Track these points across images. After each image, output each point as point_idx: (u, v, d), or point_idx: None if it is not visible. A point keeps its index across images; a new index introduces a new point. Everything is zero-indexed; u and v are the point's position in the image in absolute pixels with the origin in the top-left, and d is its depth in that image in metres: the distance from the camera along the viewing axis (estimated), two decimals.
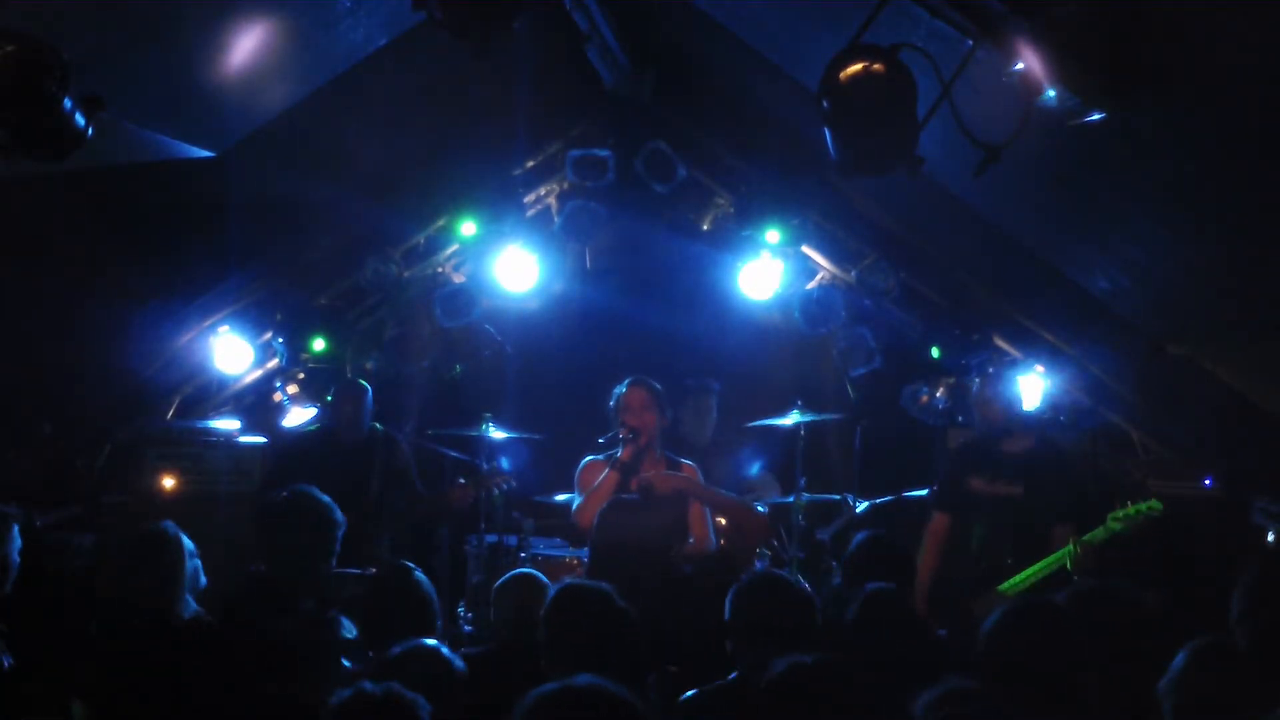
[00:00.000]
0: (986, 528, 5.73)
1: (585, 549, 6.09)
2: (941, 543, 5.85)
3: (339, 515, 4.90)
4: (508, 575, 5.02)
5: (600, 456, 5.88)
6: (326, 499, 4.92)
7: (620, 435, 5.74)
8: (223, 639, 4.05)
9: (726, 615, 4.00)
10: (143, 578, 4.47)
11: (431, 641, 3.62)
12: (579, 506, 5.74)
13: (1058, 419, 7.23)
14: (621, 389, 5.85)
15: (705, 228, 7.79)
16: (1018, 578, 5.49)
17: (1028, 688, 3.17)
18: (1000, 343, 7.54)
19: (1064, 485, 5.84)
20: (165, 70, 5.11)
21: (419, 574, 4.42)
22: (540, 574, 5.04)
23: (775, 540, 6.93)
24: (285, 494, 5.04)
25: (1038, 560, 5.50)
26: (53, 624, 4.89)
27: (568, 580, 4.30)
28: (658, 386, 5.88)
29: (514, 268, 7.69)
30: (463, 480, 6.50)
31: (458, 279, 7.78)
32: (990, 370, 6.78)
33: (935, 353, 7.60)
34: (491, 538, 7.07)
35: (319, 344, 7.62)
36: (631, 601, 4.21)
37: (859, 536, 4.81)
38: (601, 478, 5.72)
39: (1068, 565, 5.40)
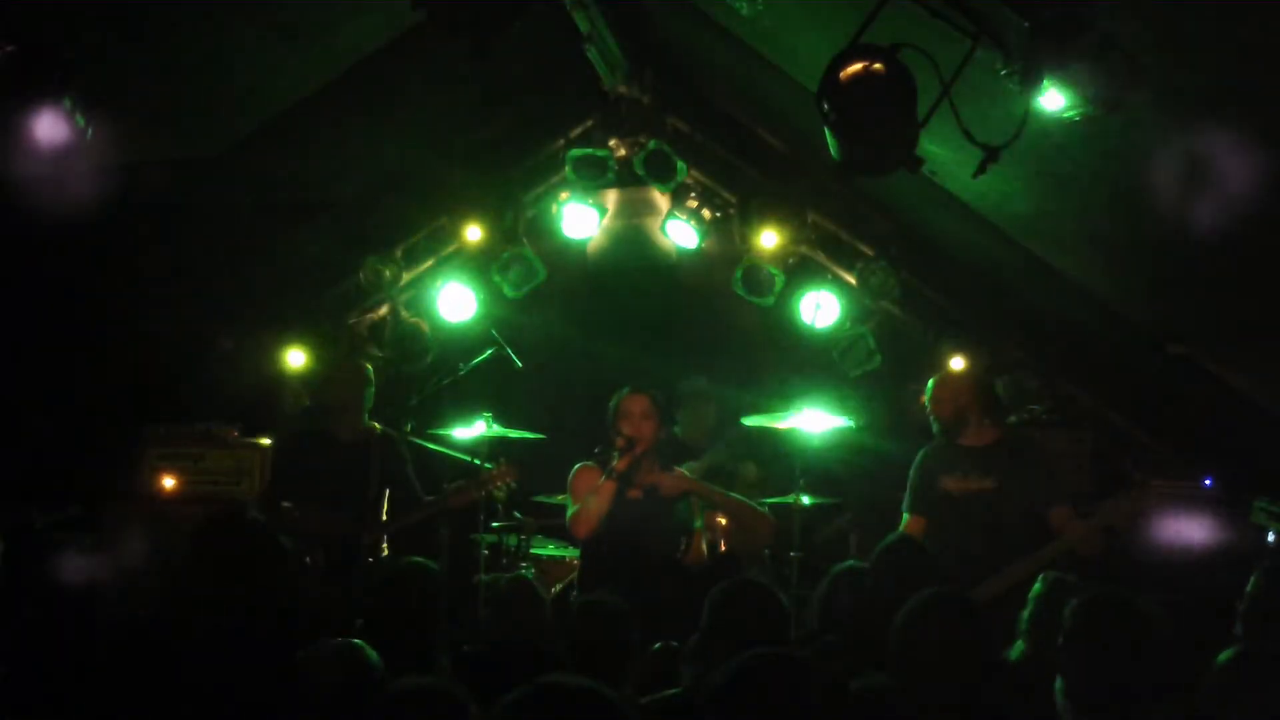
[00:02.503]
0: (964, 524, 5.71)
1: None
2: None
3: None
4: (501, 580, 5.03)
5: (592, 462, 5.84)
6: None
7: (616, 444, 5.71)
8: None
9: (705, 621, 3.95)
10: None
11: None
12: (575, 514, 5.70)
13: (1055, 419, 7.22)
14: (622, 395, 5.82)
15: (705, 228, 7.79)
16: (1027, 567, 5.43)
17: (938, 683, 3.16)
18: (1000, 342, 7.55)
19: (1038, 469, 5.83)
20: (165, 70, 5.12)
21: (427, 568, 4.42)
22: (529, 578, 5.04)
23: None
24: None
25: (1021, 550, 5.45)
26: (50, 629, 4.89)
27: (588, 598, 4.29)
28: (659, 395, 5.85)
29: (514, 267, 7.70)
30: (462, 481, 6.49)
31: (457, 278, 7.78)
32: (940, 372, 6.73)
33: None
34: (492, 538, 7.08)
35: (318, 344, 7.63)
36: (643, 604, 4.22)
37: (886, 540, 4.78)
38: (597, 486, 5.68)
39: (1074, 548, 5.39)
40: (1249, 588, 3.86)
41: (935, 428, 5.98)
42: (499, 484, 6.45)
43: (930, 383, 6.10)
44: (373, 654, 3.38)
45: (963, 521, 5.72)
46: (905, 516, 5.96)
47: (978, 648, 3.27)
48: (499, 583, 4.96)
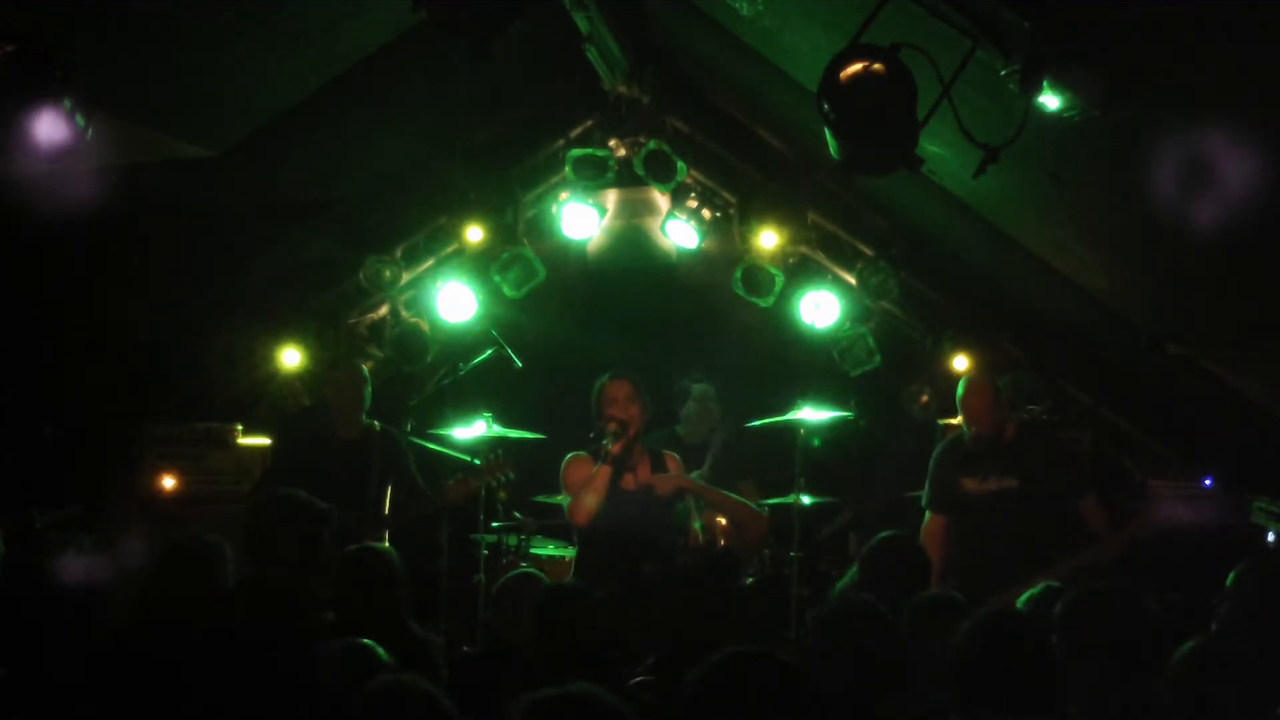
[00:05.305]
0: (987, 525, 5.70)
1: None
2: (942, 544, 5.80)
3: (323, 511, 4.88)
4: (507, 576, 5.03)
5: (583, 452, 5.85)
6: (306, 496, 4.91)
7: (608, 429, 5.71)
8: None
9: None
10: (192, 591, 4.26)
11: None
12: (574, 503, 5.70)
13: (1053, 419, 7.22)
14: (603, 382, 5.81)
15: (705, 228, 7.79)
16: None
17: (999, 705, 3.12)
18: (1000, 342, 7.56)
19: (1061, 463, 5.80)
20: (165, 70, 5.12)
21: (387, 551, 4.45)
22: (540, 574, 5.04)
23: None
24: (270, 496, 5.05)
25: (1049, 549, 5.42)
26: (50, 629, 4.88)
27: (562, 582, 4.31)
28: (638, 378, 5.86)
29: (514, 267, 7.70)
30: (462, 476, 6.48)
31: (457, 278, 7.78)
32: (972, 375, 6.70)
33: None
34: (492, 538, 7.09)
35: (318, 344, 7.64)
36: (640, 600, 4.21)
37: (879, 535, 4.77)
38: (594, 472, 5.68)
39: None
40: (1229, 583, 3.85)
41: (967, 434, 5.91)
42: (497, 475, 6.44)
43: (960, 392, 5.96)
44: (383, 653, 3.38)
45: (986, 523, 5.70)
46: (926, 514, 5.95)
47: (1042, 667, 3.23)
48: (506, 581, 4.96)
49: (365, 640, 3.40)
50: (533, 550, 7.22)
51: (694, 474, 6.43)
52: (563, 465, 5.88)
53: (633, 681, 3.99)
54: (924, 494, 6.01)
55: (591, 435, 5.85)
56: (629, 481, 5.75)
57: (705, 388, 7.38)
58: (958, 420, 6.07)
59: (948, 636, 3.30)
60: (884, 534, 4.78)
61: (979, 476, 5.78)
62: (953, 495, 5.84)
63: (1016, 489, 5.69)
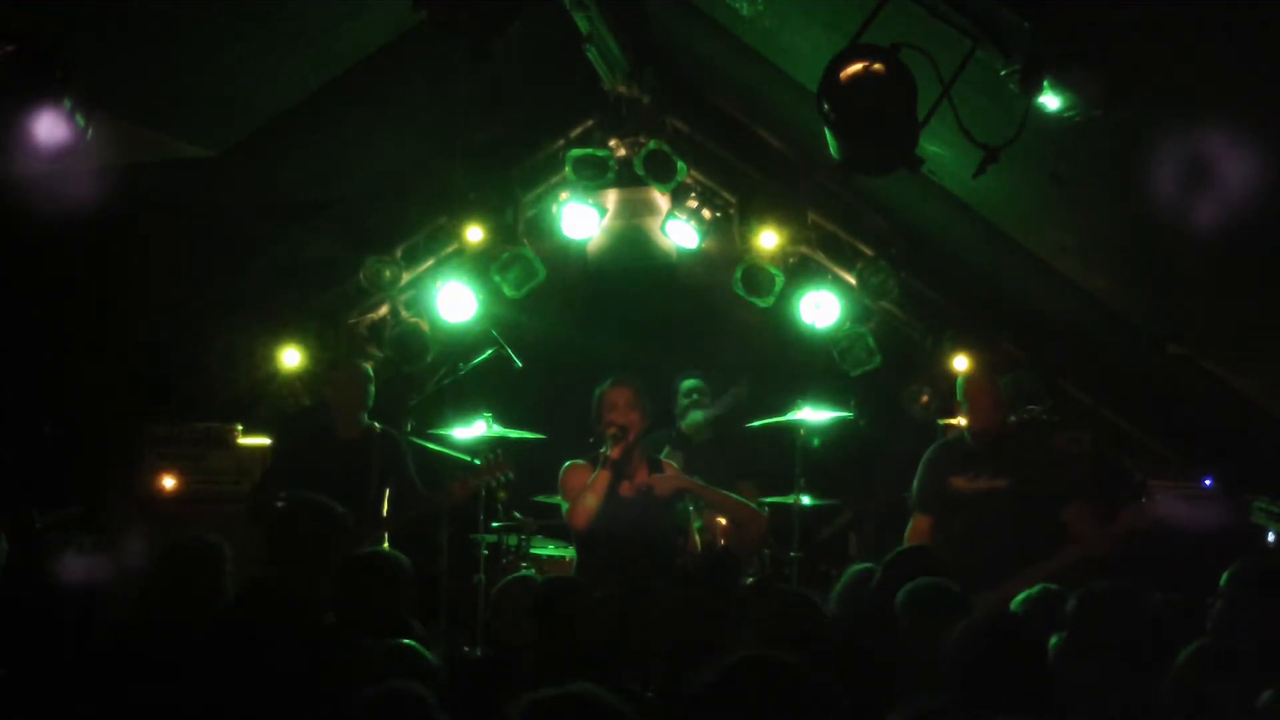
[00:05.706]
0: (977, 525, 5.69)
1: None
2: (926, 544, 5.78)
3: (345, 517, 4.88)
4: (505, 579, 5.04)
5: (581, 460, 5.86)
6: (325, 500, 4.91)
7: (608, 434, 5.72)
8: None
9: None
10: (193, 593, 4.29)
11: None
12: (573, 506, 5.70)
13: (1053, 419, 7.23)
14: (604, 388, 5.83)
15: (705, 228, 7.79)
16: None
17: (998, 705, 3.12)
18: (1000, 342, 7.56)
19: (1055, 466, 5.79)
20: (165, 70, 5.12)
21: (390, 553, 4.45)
22: (538, 577, 5.05)
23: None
24: (286, 498, 5.04)
25: (1040, 550, 5.42)
26: (50, 629, 4.88)
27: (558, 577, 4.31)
28: (640, 384, 5.87)
29: (514, 267, 7.70)
30: (462, 476, 6.48)
31: (457, 278, 7.78)
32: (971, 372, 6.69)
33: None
34: (492, 538, 7.09)
35: (318, 344, 7.64)
36: (639, 602, 4.22)
37: (900, 548, 4.77)
38: (593, 477, 5.69)
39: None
40: (1222, 583, 3.85)
41: (966, 433, 5.91)
42: (497, 475, 6.44)
43: (961, 387, 5.97)
44: (430, 655, 3.40)
45: (976, 522, 5.68)
46: (913, 515, 5.95)
47: (1040, 667, 3.23)
48: (505, 584, 4.96)
49: (408, 641, 3.41)
50: (533, 550, 7.22)
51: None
52: (561, 472, 5.88)
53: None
54: (912, 494, 6.02)
55: (591, 440, 5.86)
56: (627, 489, 5.75)
57: (694, 383, 7.39)
58: (957, 420, 6.07)
59: (944, 632, 3.30)
60: (902, 547, 4.80)
61: (970, 474, 5.77)
62: (941, 496, 5.84)
63: (1006, 489, 5.69)
